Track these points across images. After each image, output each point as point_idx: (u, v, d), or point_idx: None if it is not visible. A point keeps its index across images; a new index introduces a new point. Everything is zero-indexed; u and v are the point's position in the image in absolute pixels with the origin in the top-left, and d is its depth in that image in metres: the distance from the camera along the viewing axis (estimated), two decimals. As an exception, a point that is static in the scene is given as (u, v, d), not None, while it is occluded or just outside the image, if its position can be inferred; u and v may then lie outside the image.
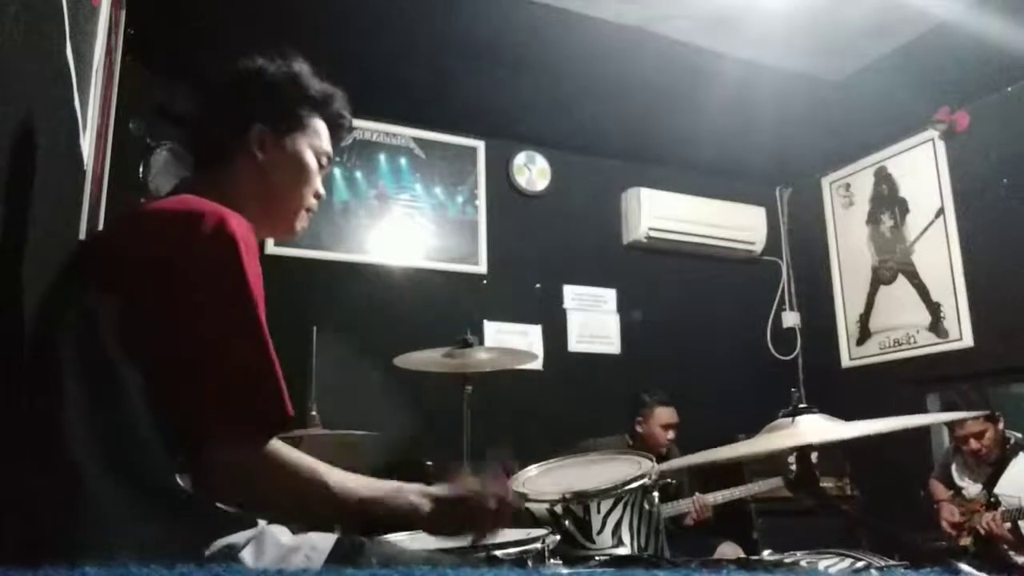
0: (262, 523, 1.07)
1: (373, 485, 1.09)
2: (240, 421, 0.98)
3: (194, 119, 1.28)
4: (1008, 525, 3.04)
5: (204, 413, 0.97)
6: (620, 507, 1.76)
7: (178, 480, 0.97)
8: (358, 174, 3.83)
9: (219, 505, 1.01)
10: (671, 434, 3.49)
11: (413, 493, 1.11)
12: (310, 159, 1.27)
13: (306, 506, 1.07)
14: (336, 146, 1.35)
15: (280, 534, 1.10)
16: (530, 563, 1.42)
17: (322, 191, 1.32)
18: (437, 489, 1.13)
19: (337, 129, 1.34)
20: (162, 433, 0.96)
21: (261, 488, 1.01)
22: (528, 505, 1.83)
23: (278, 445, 1.02)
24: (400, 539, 1.55)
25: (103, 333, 0.97)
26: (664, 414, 3.50)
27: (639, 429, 3.51)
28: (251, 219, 1.20)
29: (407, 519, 1.12)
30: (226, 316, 1.00)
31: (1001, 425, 3.19)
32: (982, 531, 3.10)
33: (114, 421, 0.95)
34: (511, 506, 1.19)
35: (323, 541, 1.12)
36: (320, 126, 1.30)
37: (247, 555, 1.04)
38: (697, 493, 3.45)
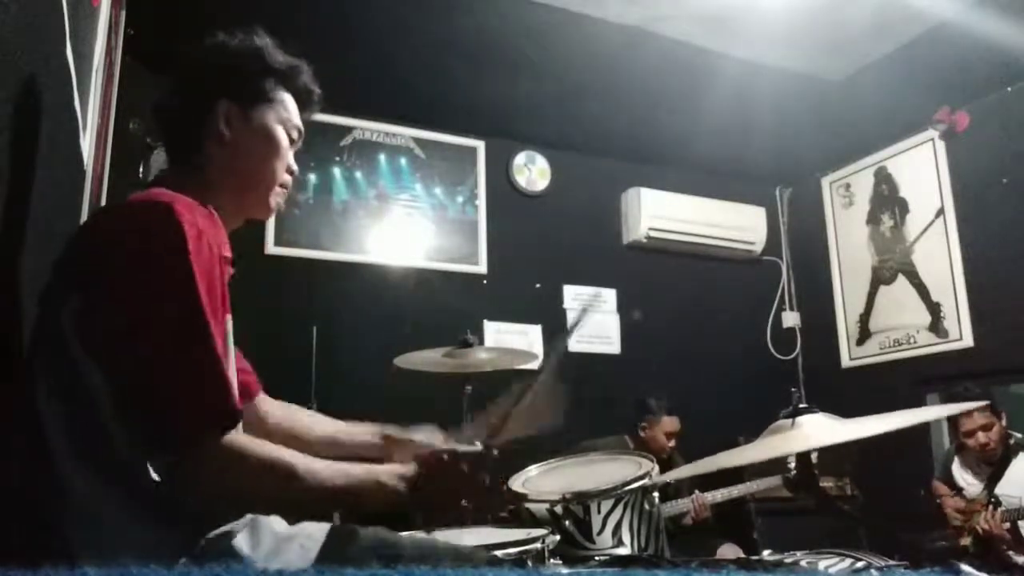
0: (251, 513, 1.07)
1: (346, 471, 1.07)
2: (186, 418, 0.96)
3: (161, 104, 1.24)
4: (1007, 525, 3.03)
5: (155, 411, 0.96)
6: (620, 507, 1.76)
7: (154, 479, 0.96)
8: (358, 174, 3.83)
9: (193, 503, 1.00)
10: (673, 442, 3.50)
11: (386, 475, 1.10)
12: (279, 133, 1.24)
13: (278, 498, 1.05)
14: (306, 120, 1.31)
15: (274, 522, 1.10)
16: (530, 563, 1.42)
17: (294, 166, 1.29)
18: (410, 467, 1.13)
19: (306, 103, 1.31)
20: (131, 432, 0.95)
21: (226, 483, 0.98)
22: (528, 505, 1.83)
23: (241, 439, 1.00)
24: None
25: (69, 333, 0.96)
26: (669, 423, 3.51)
27: (642, 434, 3.51)
28: (226, 203, 1.19)
29: (384, 502, 1.11)
30: (168, 308, 0.97)
31: (1004, 422, 3.18)
32: (981, 531, 3.09)
33: (86, 422, 0.95)
34: (484, 462, 1.18)
35: (318, 530, 1.12)
36: (288, 100, 1.27)
37: (242, 542, 1.04)
38: (696, 492, 3.45)
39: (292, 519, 1.13)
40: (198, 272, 0.98)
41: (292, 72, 1.28)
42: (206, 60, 1.24)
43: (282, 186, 1.27)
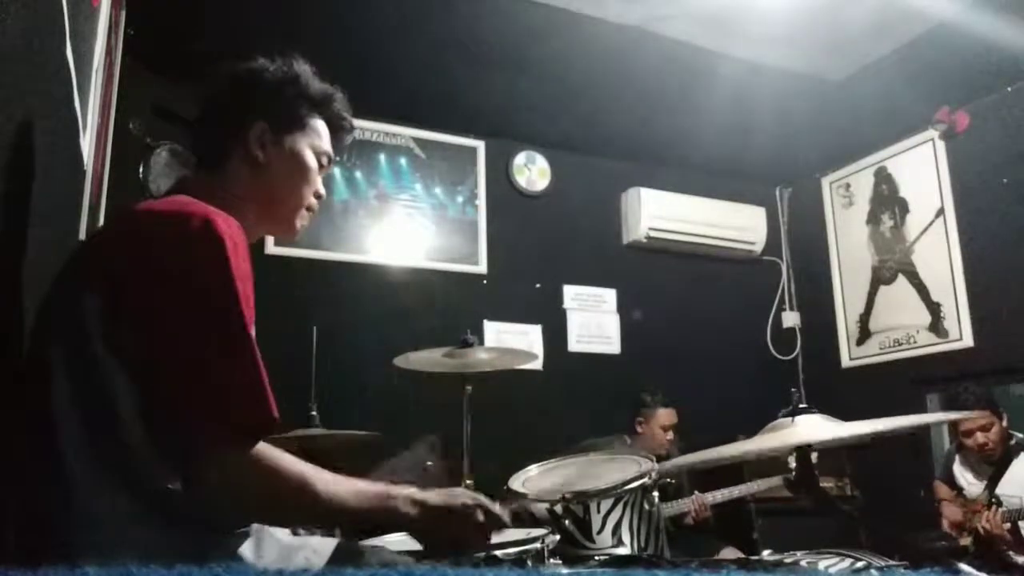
0: (257, 525, 1.07)
1: (362, 492, 1.08)
2: (224, 425, 0.97)
3: (195, 120, 1.28)
4: (1008, 525, 3.03)
5: (189, 417, 0.96)
6: (620, 507, 1.76)
7: (170, 484, 0.96)
8: (358, 174, 3.83)
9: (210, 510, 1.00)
10: (671, 435, 3.50)
11: (402, 500, 1.11)
12: (310, 158, 1.28)
13: (294, 513, 1.06)
14: (337, 147, 1.35)
15: (279, 533, 1.10)
16: (530, 563, 1.42)
17: (322, 191, 1.32)
18: (428, 496, 1.13)
19: (338, 130, 1.35)
20: (153, 436, 0.95)
21: (248, 493, 1.00)
22: (528, 505, 1.83)
23: (267, 449, 1.01)
24: (396, 540, 1.55)
25: (93, 335, 0.96)
26: (665, 415, 3.51)
27: (639, 430, 3.51)
28: (250, 218, 1.21)
29: (395, 525, 1.11)
30: (211, 319, 0.99)
31: (1005, 423, 3.18)
32: (981, 531, 3.09)
33: (105, 424, 0.95)
34: (499, 520, 1.18)
35: (324, 545, 1.13)
36: (320, 126, 1.31)
37: (247, 550, 1.04)
38: (696, 492, 3.45)
39: (302, 531, 1.14)
40: (238, 283, 0.99)
41: (327, 100, 1.32)
42: (245, 83, 1.27)
43: (308, 209, 1.31)
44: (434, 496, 1.14)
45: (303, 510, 1.05)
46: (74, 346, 0.97)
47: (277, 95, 1.26)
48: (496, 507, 1.19)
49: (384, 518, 1.10)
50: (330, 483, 1.05)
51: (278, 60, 1.28)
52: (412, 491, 1.13)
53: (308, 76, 1.30)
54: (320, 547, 1.12)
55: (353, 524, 1.11)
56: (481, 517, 1.15)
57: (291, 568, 1.05)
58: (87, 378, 0.95)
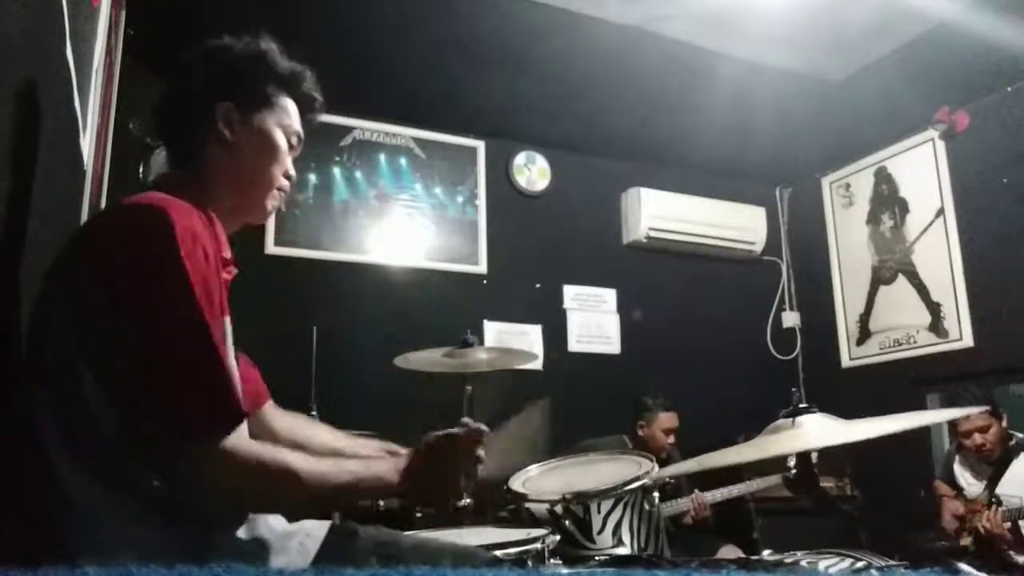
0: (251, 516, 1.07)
1: (345, 468, 1.09)
2: (188, 419, 0.96)
3: (162, 103, 1.25)
4: (1008, 525, 3.03)
5: (153, 413, 0.95)
6: (620, 507, 1.76)
7: (155, 481, 0.96)
8: (358, 174, 3.83)
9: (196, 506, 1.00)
10: (672, 439, 3.50)
11: (381, 468, 1.13)
12: (279, 137, 1.25)
13: (279, 498, 1.06)
14: (306, 127, 1.32)
15: (272, 521, 1.10)
16: (530, 563, 1.42)
17: (292, 171, 1.29)
18: (403, 459, 1.15)
19: (307, 110, 1.32)
20: (131, 435, 0.95)
21: (228, 485, 0.98)
22: (528, 505, 1.83)
23: (242, 440, 1.00)
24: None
25: (65, 336, 0.96)
26: (666, 419, 3.51)
27: (641, 432, 3.51)
28: (223, 205, 1.19)
29: (384, 495, 1.12)
30: (163, 311, 0.97)
31: (1005, 423, 3.18)
32: (981, 530, 3.09)
33: (85, 425, 0.94)
34: (478, 435, 1.19)
35: (317, 527, 1.12)
36: (289, 105, 1.28)
37: (242, 533, 1.04)
38: (696, 491, 3.44)
39: (293, 518, 1.14)
40: (192, 273, 0.97)
41: (295, 78, 1.29)
42: (209, 61, 1.24)
43: (279, 190, 1.28)
44: (406, 455, 1.16)
45: (291, 494, 1.04)
46: (51, 348, 0.97)
47: (243, 73, 1.23)
48: (466, 428, 1.20)
49: (366, 486, 1.11)
50: (312, 463, 1.05)
51: (244, 38, 1.26)
52: (391, 460, 1.15)
53: (275, 53, 1.27)
54: (314, 530, 1.12)
55: (343, 499, 1.11)
56: (460, 457, 1.17)
57: (285, 556, 1.06)
58: (63, 379, 0.95)
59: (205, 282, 0.99)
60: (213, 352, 0.97)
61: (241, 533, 1.04)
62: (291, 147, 1.28)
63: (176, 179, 1.18)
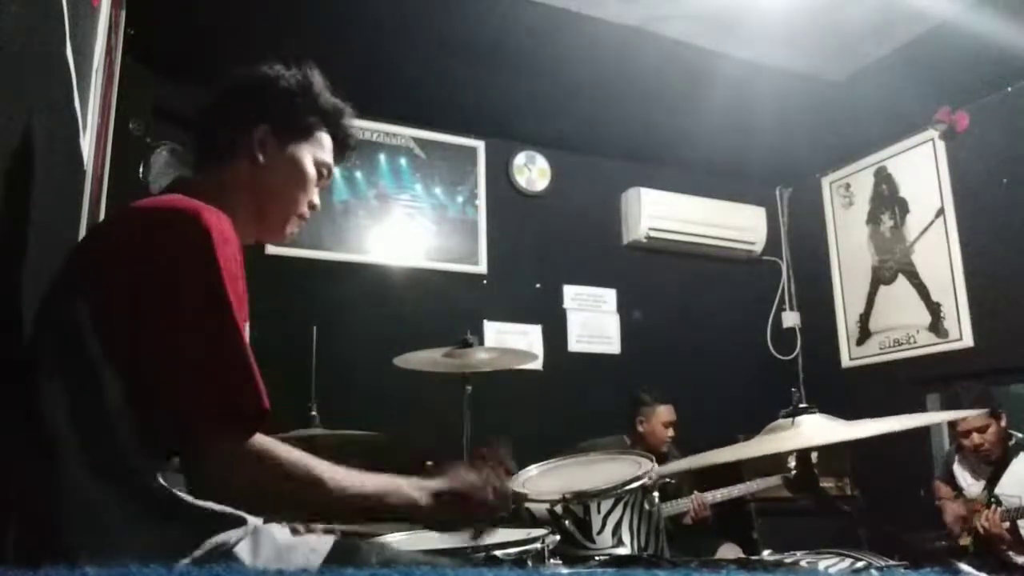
0: (254, 522, 1.07)
1: (369, 480, 1.08)
2: (216, 417, 0.97)
3: (201, 116, 1.28)
4: (1007, 524, 3.03)
5: (181, 411, 0.96)
6: (620, 507, 1.76)
7: (162, 482, 0.96)
8: (358, 174, 3.83)
9: (209, 504, 1.00)
10: (671, 432, 3.50)
11: (409, 487, 1.11)
12: (309, 167, 1.28)
13: (300, 502, 1.06)
14: (337, 161, 1.35)
15: (276, 532, 1.10)
16: (530, 563, 1.42)
17: (317, 201, 1.32)
18: (434, 483, 1.14)
19: (342, 145, 1.35)
20: (146, 434, 0.95)
21: (250, 484, 0.99)
22: (528, 505, 1.83)
23: (267, 441, 1.01)
24: (398, 539, 1.55)
25: (85, 333, 0.96)
26: (665, 412, 3.51)
27: (640, 428, 3.51)
28: (242, 220, 1.21)
29: (405, 512, 1.12)
30: (198, 312, 0.99)
31: (1004, 423, 3.18)
32: (981, 530, 3.09)
33: (97, 422, 0.95)
34: (508, 497, 1.20)
35: (321, 543, 1.12)
36: (325, 139, 1.31)
37: (243, 551, 1.04)
38: (696, 492, 3.44)
39: (309, 523, 1.14)
40: (226, 276, 0.99)
41: (336, 114, 1.32)
42: (256, 85, 1.27)
43: (300, 217, 1.30)
44: (439, 480, 1.15)
45: (310, 498, 1.04)
46: (67, 347, 0.97)
47: (288, 102, 1.26)
48: (502, 483, 1.20)
49: (392, 505, 1.10)
50: (335, 470, 1.05)
51: (293, 68, 1.28)
52: (417, 479, 1.14)
53: (321, 88, 1.30)
54: (318, 545, 1.12)
55: (361, 511, 1.12)
56: (489, 495, 1.17)
57: (290, 568, 1.05)
58: (79, 379, 0.95)
59: (234, 286, 1.01)
60: (244, 353, 0.99)
61: (243, 546, 1.04)
62: (320, 177, 1.31)
63: (200, 185, 1.19)
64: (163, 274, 0.99)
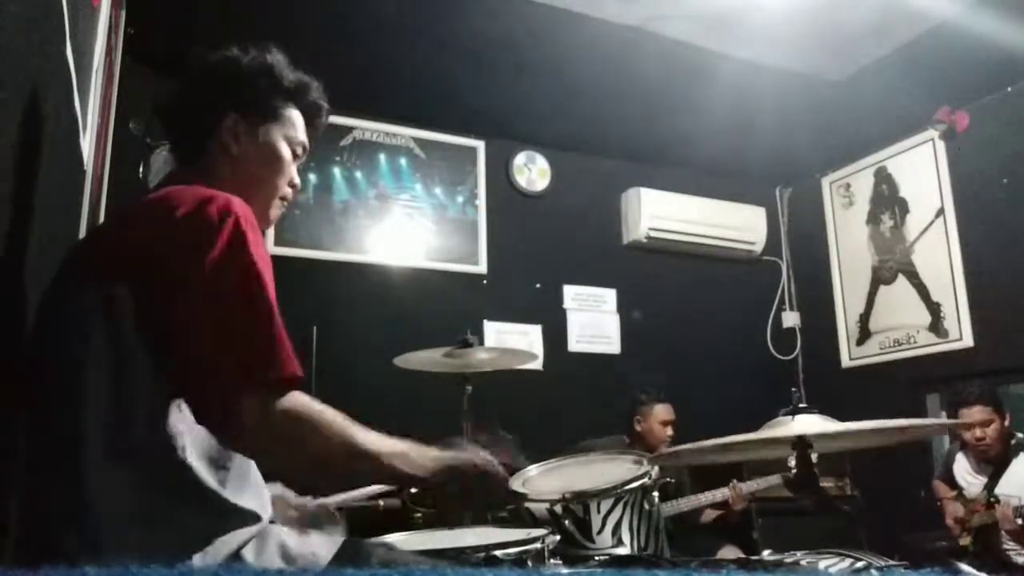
0: (264, 520, 1.07)
1: (388, 442, 1.12)
2: (256, 377, 1.00)
3: (168, 109, 1.28)
4: (1020, 521, 3.00)
5: (225, 375, 0.99)
6: (620, 507, 1.76)
7: (186, 471, 0.98)
8: (358, 174, 3.83)
9: (230, 496, 1.01)
10: (669, 431, 3.50)
11: (418, 455, 1.15)
12: (284, 150, 1.28)
13: (333, 460, 1.08)
14: (312, 136, 1.34)
15: (283, 534, 1.10)
16: (530, 563, 1.42)
17: (297, 180, 1.32)
18: (443, 453, 1.18)
19: (313, 119, 1.34)
20: (175, 413, 0.98)
21: (288, 439, 1.03)
22: (528, 505, 1.83)
23: (303, 399, 1.04)
24: (398, 539, 1.55)
25: (110, 324, 0.98)
26: (662, 411, 3.51)
27: (638, 428, 3.51)
28: None
29: (420, 479, 1.15)
30: (240, 288, 1.02)
31: (1007, 421, 3.17)
32: (995, 524, 3.06)
33: (125, 412, 0.96)
34: (504, 483, 1.24)
35: (325, 547, 1.13)
36: (295, 116, 1.30)
37: (248, 552, 1.04)
38: (734, 480, 3.42)
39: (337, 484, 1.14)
40: (256, 255, 1.04)
41: (301, 89, 1.31)
42: (217, 73, 1.26)
43: (282, 198, 1.31)
44: (449, 454, 1.18)
45: (344, 458, 1.07)
46: (98, 336, 0.98)
47: (251, 86, 1.25)
48: (500, 470, 1.24)
49: (403, 471, 1.13)
50: (366, 432, 1.09)
51: (252, 50, 1.27)
52: (427, 448, 1.17)
53: (282, 66, 1.29)
54: (322, 548, 1.12)
55: (380, 475, 1.15)
56: (491, 468, 1.21)
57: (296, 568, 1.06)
58: (109, 362, 0.97)
59: (267, 264, 1.06)
60: (279, 324, 1.04)
61: (249, 548, 1.04)
62: (295, 156, 1.31)
63: (189, 179, 1.19)
64: (205, 258, 1.00)
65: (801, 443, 1.55)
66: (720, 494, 3.41)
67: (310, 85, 1.32)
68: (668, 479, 3.34)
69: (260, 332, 1.02)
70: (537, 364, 3.83)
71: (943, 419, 3.25)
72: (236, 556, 1.02)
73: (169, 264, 1.01)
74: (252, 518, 1.05)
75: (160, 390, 0.98)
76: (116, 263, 1.02)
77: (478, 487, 1.20)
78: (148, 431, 0.97)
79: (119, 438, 0.95)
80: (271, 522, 1.11)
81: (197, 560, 0.95)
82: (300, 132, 1.31)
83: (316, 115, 1.34)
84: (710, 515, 3.54)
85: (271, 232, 3.49)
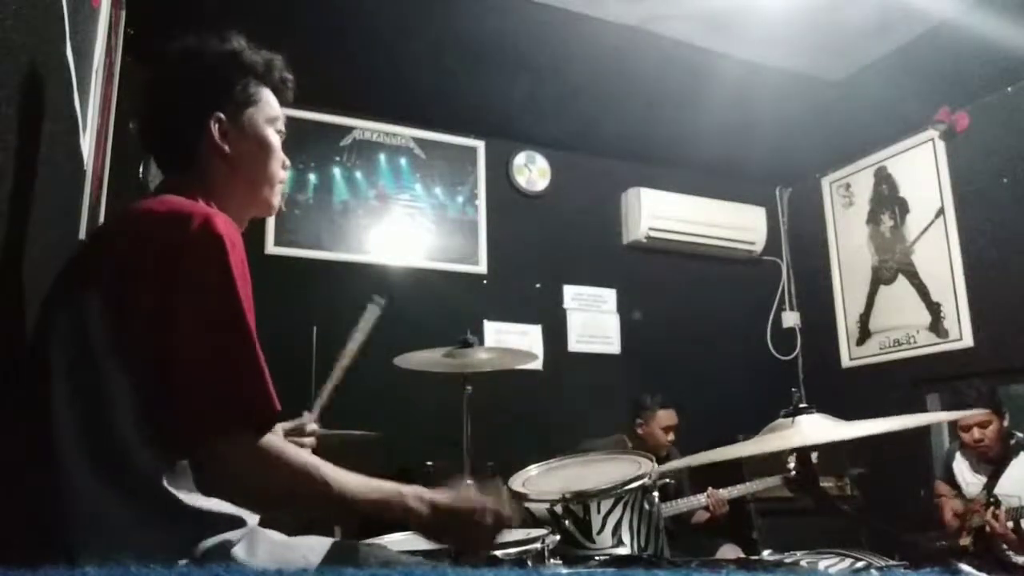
0: (251, 523, 1.07)
1: (373, 487, 1.07)
2: (228, 417, 0.98)
3: (148, 130, 1.25)
4: (1011, 524, 3.02)
5: (194, 411, 0.97)
6: (620, 507, 1.76)
7: (164, 482, 0.97)
8: (358, 174, 3.83)
9: (209, 505, 1.00)
10: (671, 436, 3.50)
11: (412, 498, 1.09)
12: (271, 135, 1.27)
13: (305, 504, 1.07)
14: (283, 105, 1.33)
15: (272, 534, 1.10)
16: (530, 563, 1.42)
17: (287, 161, 1.32)
18: (438, 496, 1.12)
19: (283, 92, 1.33)
20: (152, 434, 0.96)
21: (259, 483, 1.00)
22: (528, 505, 1.83)
23: (277, 441, 1.02)
24: (397, 540, 1.55)
25: (91, 335, 0.96)
26: (665, 416, 3.51)
27: (640, 431, 3.51)
28: (233, 207, 1.21)
29: (405, 521, 1.11)
30: (212, 314, 1.00)
31: (1006, 422, 3.17)
32: (987, 527, 3.08)
33: (101, 423, 0.95)
34: (507, 523, 1.17)
35: (319, 544, 1.12)
36: (269, 96, 1.29)
37: (240, 551, 1.04)
38: (710, 488, 3.42)
39: (310, 523, 1.13)
40: (237, 280, 1.00)
41: (268, 67, 1.29)
42: (186, 75, 1.23)
43: (280, 183, 1.31)
44: (444, 496, 1.13)
45: (315, 499, 1.05)
46: (72, 347, 0.97)
47: (222, 79, 1.24)
48: (505, 508, 1.17)
49: (393, 513, 1.09)
50: (340, 473, 1.05)
51: (211, 40, 1.26)
52: (421, 489, 1.12)
53: (243, 47, 1.27)
54: (316, 546, 1.12)
55: (362, 516, 1.12)
56: (489, 519, 1.14)
57: (288, 567, 1.05)
58: (84, 379, 0.96)
59: (246, 290, 1.02)
60: (256, 355, 1.00)
61: (240, 547, 1.04)
62: (279, 133, 1.30)
63: (185, 186, 1.17)
64: (179, 279, 0.99)
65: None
66: (697, 501, 3.41)
67: (274, 61, 1.30)
68: (668, 479, 3.34)
69: (235, 363, 0.99)
70: (537, 364, 3.84)
71: (940, 414, 3.25)
72: (227, 554, 1.01)
73: (143, 281, 0.99)
74: (237, 522, 1.04)
75: (132, 413, 0.96)
76: (99, 275, 1.01)
77: (476, 536, 1.15)
78: (126, 449, 0.95)
79: (100, 453, 0.94)
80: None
81: (183, 563, 0.94)
82: (276, 109, 1.29)
83: (285, 88, 1.33)
84: (701, 516, 3.54)
85: (271, 232, 3.49)
